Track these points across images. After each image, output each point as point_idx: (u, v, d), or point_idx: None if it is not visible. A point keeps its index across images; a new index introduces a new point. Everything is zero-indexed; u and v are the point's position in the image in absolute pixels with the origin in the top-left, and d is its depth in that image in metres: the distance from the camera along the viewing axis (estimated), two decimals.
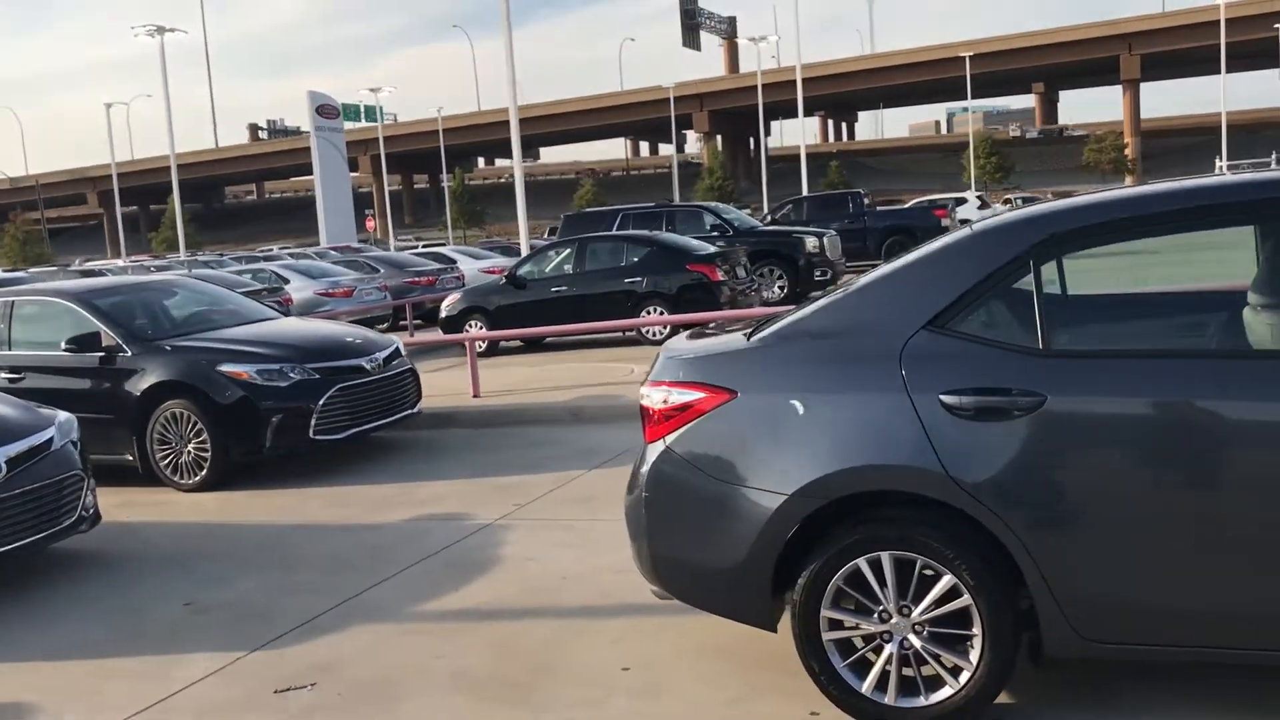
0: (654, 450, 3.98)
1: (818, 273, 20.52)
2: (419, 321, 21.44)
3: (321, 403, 8.50)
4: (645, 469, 4.01)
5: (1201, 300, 4.15)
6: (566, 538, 6.38)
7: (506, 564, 5.99)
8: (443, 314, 17.21)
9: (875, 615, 3.64)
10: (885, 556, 3.58)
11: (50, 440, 6.45)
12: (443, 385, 11.68)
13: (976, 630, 3.51)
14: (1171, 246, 3.66)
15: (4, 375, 8.82)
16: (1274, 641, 3.32)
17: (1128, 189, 3.68)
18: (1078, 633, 3.43)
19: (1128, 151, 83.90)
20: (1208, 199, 3.52)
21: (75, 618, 5.71)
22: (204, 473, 8.39)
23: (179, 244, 49.85)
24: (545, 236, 37.28)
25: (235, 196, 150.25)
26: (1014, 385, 3.43)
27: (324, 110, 62.39)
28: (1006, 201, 54.44)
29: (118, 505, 7.85)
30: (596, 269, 16.42)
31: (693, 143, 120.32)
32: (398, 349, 9.50)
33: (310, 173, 73.66)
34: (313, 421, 8.47)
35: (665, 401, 3.94)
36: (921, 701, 3.61)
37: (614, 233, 19.27)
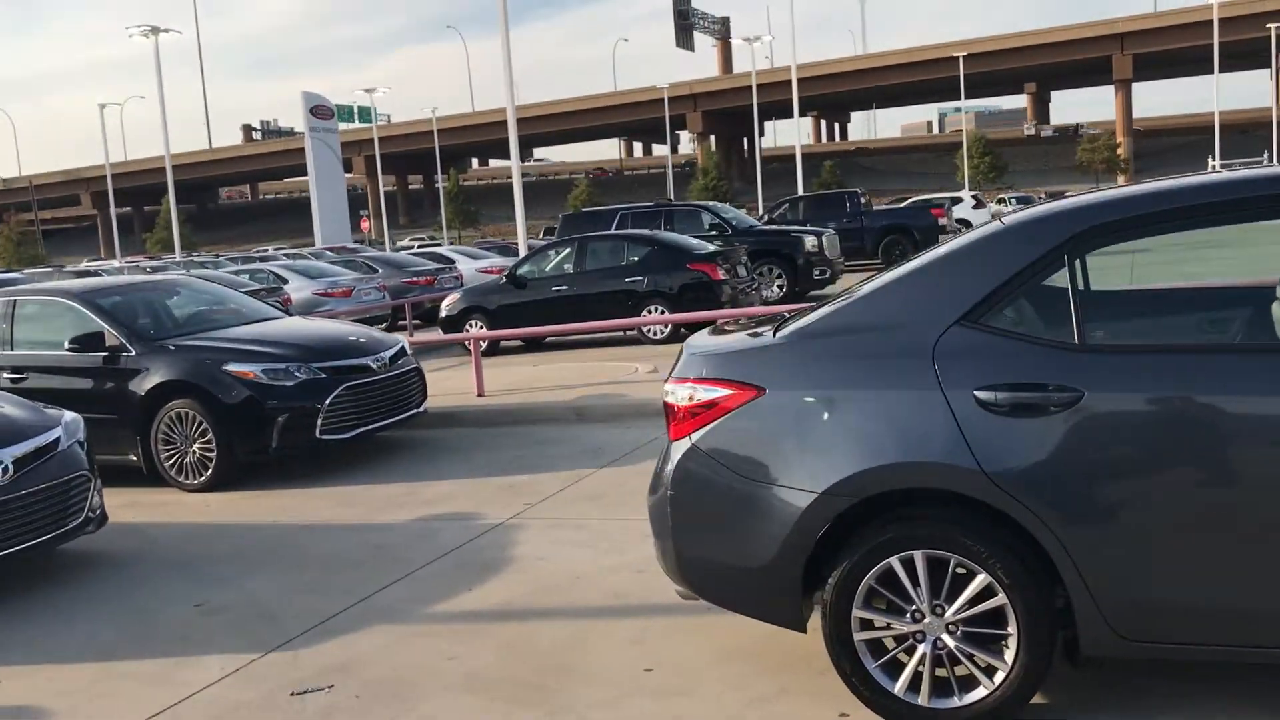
0: (679, 448, 3.92)
1: (816, 272, 20.48)
2: (418, 321, 21.38)
3: (328, 402, 8.43)
4: (670, 467, 3.94)
5: (1238, 295, 4.09)
6: (579, 537, 6.32)
7: (519, 564, 5.93)
8: (443, 314, 17.14)
9: (908, 615, 3.58)
10: (918, 555, 3.53)
11: (57, 440, 6.38)
12: (446, 385, 11.62)
13: (1011, 630, 3.46)
14: (1204, 241, 3.61)
15: (6, 376, 8.75)
16: None
17: (1163, 182, 3.63)
18: (1115, 631, 3.38)
19: (1120, 151, 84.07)
20: (1248, 191, 3.47)
21: (83, 619, 5.64)
22: (209, 473, 8.33)
23: (174, 245, 49.66)
24: (541, 236, 37.24)
25: (229, 197, 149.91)
26: (1050, 381, 3.38)
27: (318, 111, 62.26)
28: (1000, 201, 54.50)
29: (122, 506, 7.79)
30: (597, 268, 16.37)
31: (686, 143, 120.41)
32: (403, 348, 9.44)
33: (304, 174, 73.55)
34: (319, 421, 8.40)
35: (691, 398, 3.88)
36: (955, 702, 3.55)
37: (614, 232, 19.21)
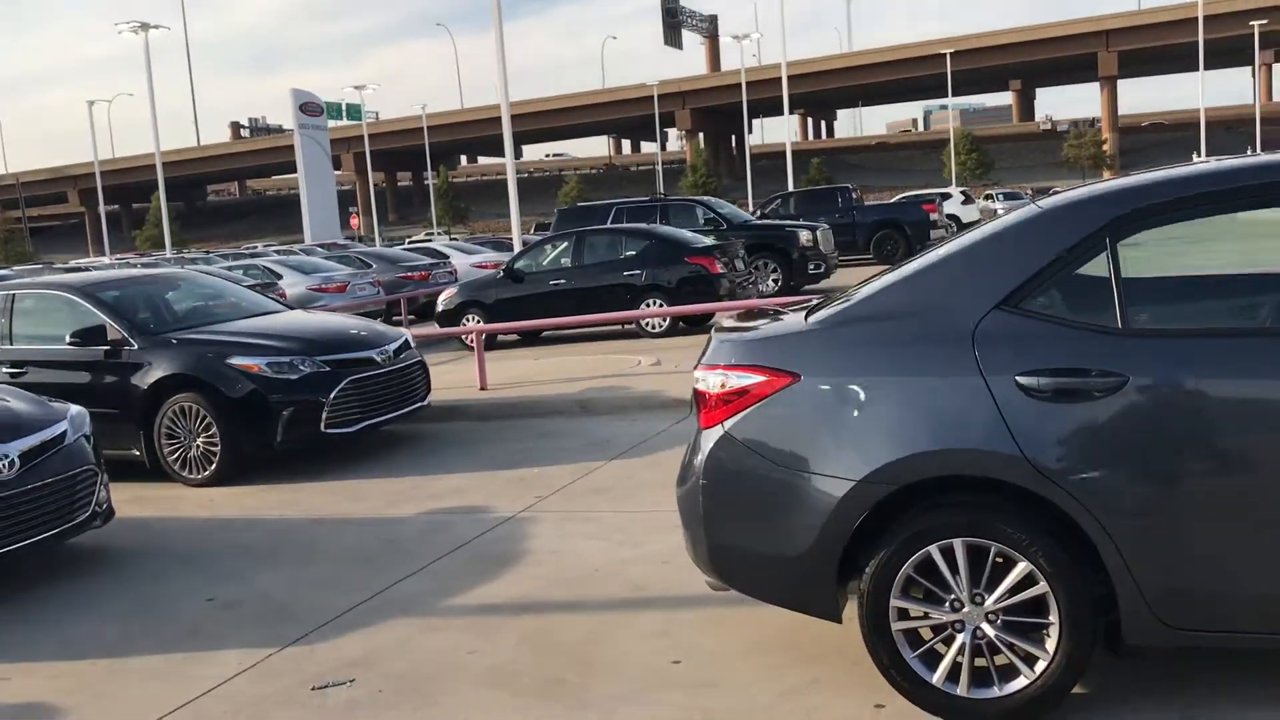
0: (711, 436, 3.86)
1: (811, 266, 20.47)
2: (412, 317, 21.26)
3: (333, 395, 8.36)
4: (701, 456, 3.89)
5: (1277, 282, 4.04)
6: (592, 529, 6.26)
7: (534, 557, 5.86)
8: (439, 308, 17.04)
9: (947, 604, 3.54)
10: (958, 544, 3.48)
11: (63, 434, 6.29)
12: (447, 378, 11.54)
13: (1053, 618, 3.41)
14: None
15: (5, 370, 8.64)
16: None
17: (1206, 164, 3.59)
18: (1160, 619, 3.34)
19: (1106, 148, 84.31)
20: None
21: (93, 615, 5.55)
22: (213, 467, 8.24)
23: (163, 242, 49.42)
24: (533, 232, 37.16)
25: (216, 194, 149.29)
26: (1093, 366, 3.34)
27: (307, 108, 62.00)
28: (988, 197, 54.59)
29: (126, 501, 7.69)
30: (595, 262, 16.30)
31: (674, 140, 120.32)
32: (407, 341, 9.37)
33: (293, 171, 73.28)
34: (324, 415, 8.33)
35: (723, 385, 3.82)
36: (995, 692, 3.51)
37: (612, 226, 19.14)
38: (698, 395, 3.97)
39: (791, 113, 55.18)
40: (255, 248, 47.98)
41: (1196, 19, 67.68)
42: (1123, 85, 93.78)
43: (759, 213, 28.76)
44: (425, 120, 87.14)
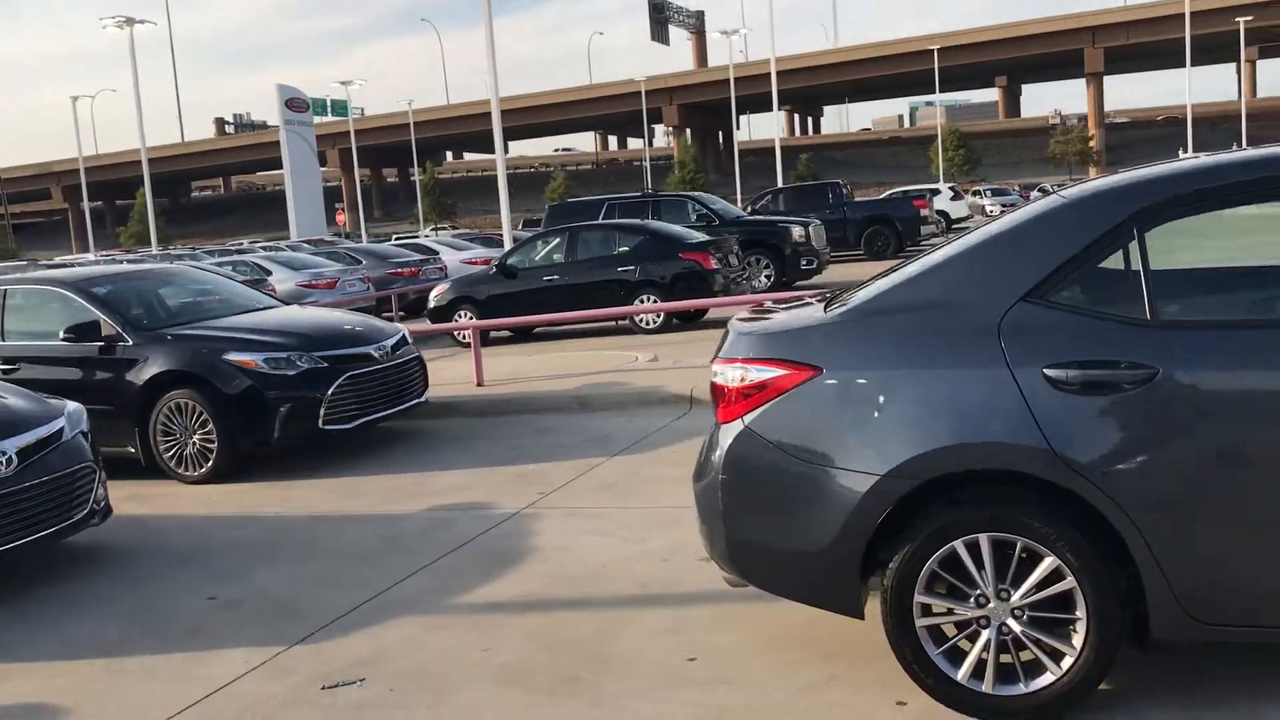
0: (730, 431, 3.81)
1: (804, 262, 20.43)
2: (402, 313, 21.16)
3: (331, 392, 8.27)
4: (720, 450, 3.83)
5: None
6: (598, 526, 6.20)
7: (540, 554, 5.80)
8: (431, 304, 16.95)
9: (972, 600, 3.49)
10: (983, 538, 3.43)
11: (61, 431, 6.21)
12: (442, 374, 11.44)
13: (1080, 614, 3.37)
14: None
15: None
16: None
17: (1234, 154, 3.55)
18: (1189, 614, 3.30)
19: (1093, 144, 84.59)
20: None
21: (92, 614, 5.47)
22: (210, 464, 8.15)
23: (149, 238, 49.12)
24: (520, 229, 37.02)
25: (201, 191, 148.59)
26: (1122, 358, 3.29)
27: (293, 104, 61.77)
28: (975, 193, 54.69)
29: (122, 498, 7.58)
30: (588, 258, 16.23)
31: (661, 136, 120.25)
32: (404, 337, 9.28)
33: (278, 167, 72.86)
34: (322, 411, 8.24)
35: (742, 379, 3.76)
36: (1021, 689, 3.46)
37: (606, 221, 19.06)
38: (715, 389, 3.92)
39: (779, 109, 55.14)
40: (241, 244, 47.73)
41: (1182, 15, 67.97)
42: (1107, 82, 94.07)
43: (750, 209, 28.70)
44: (412, 116, 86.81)
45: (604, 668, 4.29)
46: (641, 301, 15.33)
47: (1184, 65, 70.34)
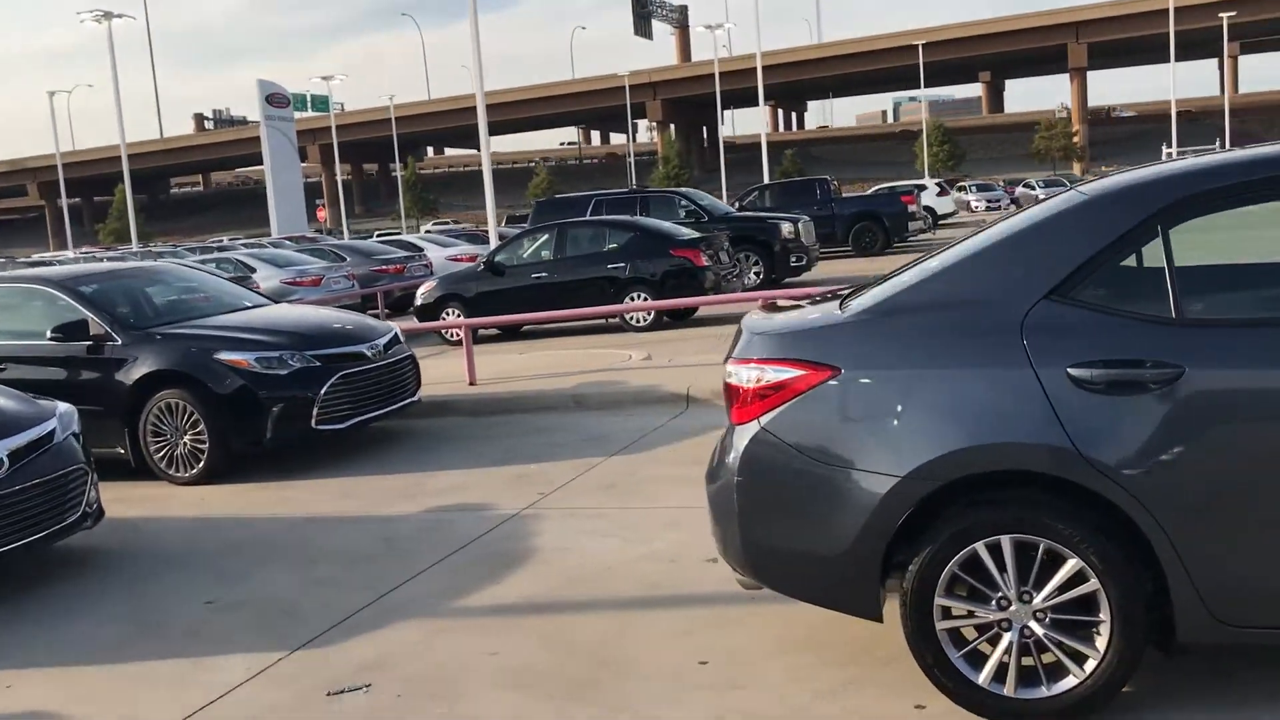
0: (745, 432, 3.74)
1: (793, 259, 20.37)
2: (387, 311, 21.02)
3: (324, 391, 8.18)
4: (735, 452, 3.77)
5: None
6: (600, 527, 6.14)
7: (543, 555, 5.73)
8: (418, 302, 16.82)
9: (994, 602, 3.44)
10: (1005, 540, 3.38)
11: (52, 433, 6.11)
12: (433, 373, 11.34)
13: (1104, 616, 3.32)
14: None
15: None
16: None
17: (1261, 149, 3.50)
18: (1215, 616, 3.26)
19: (1077, 139, 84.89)
20: None
21: (90, 620, 5.37)
22: (201, 465, 8.05)
23: (128, 235, 48.76)
24: (504, 224, 36.89)
25: (180, 188, 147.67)
26: (1148, 357, 3.25)
27: (274, 99, 61.34)
28: (960, 189, 54.80)
29: (112, 500, 7.44)
30: (578, 255, 16.13)
31: (644, 131, 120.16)
32: (396, 335, 9.19)
33: (258, 163, 72.47)
34: (315, 410, 8.15)
35: (759, 380, 3.70)
36: (1044, 692, 3.42)
37: (595, 218, 18.96)
38: (730, 390, 3.86)
39: (760, 104, 55.03)
40: (221, 241, 47.43)
41: (1166, 10, 68.19)
42: (1090, 77, 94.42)
43: (737, 205, 28.65)
44: (393, 111, 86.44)
45: (616, 671, 4.23)
46: (632, 299, 15.25)
47: (1166, 60, 70.66)
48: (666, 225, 17.25)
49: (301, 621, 5.05)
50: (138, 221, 50.48)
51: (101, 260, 32.37)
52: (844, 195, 31.66)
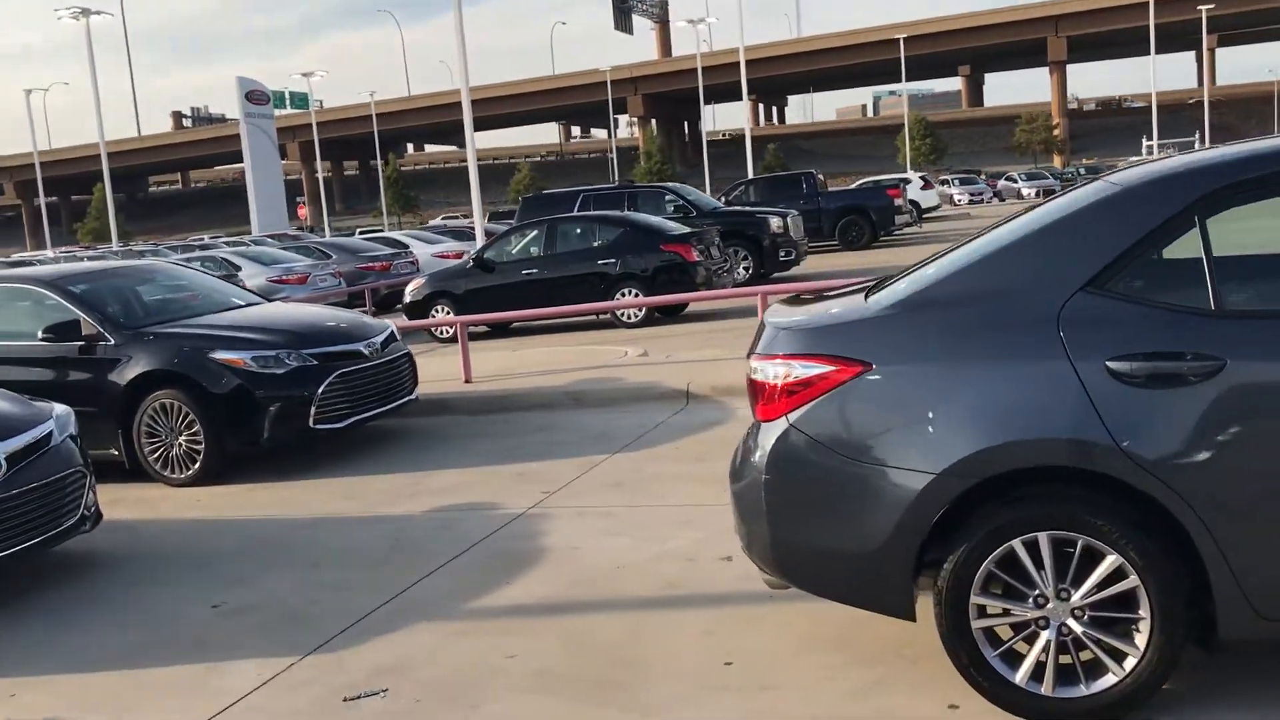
0: (773, 429, 3.67)
1: (782, 253, 20.32)
2: (374, 309, 20.87)
3: (321, 390, 8.07)
4: (763, 449, 3.69)
5: None
6: (610, 525, 6.06)
7: (554, 555, 5.65)
8: (407, 299, 16.70)
9: (1030, 600, 3.38)
10: (1042, 537, 3.33)
11: (50, 435, 5.99)
12: (426, 371, 11.19)
13: (1144, 613, 3.27)
14: None
15: None
16: None
17: None
18: (1258, 613, 3.21)
19: (1057, 132, 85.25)
20: None
21: (94, 626, 5.26)
22: (197, 466, 7.93)
23: (108, 234, 48.32)
24: (487, 221, 36.65)
25: (158, 186, 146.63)
26: (1188, 349, 3.20)
27: (253, 96, 60.91)
28: (944, 182, 54.93)
29: (108, 503, 7.29)
30: (568, 251, 16.04)
31: (624, 127, 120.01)
32: (393, 333, 9.09)
33: (238, 161, 71.91)
34: (313, 410, 8.03)
35: (787, 376, 3.63)
36: (1082, 690, 3.36)
37: (586, 213, 18.84)
38: (755, 386, 3.78)
39: (743, 99, 54.96)
40: (202, 239, 47.07)
41: (1145, 4, 68.41)
42: (1070, 70, 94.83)
43: (723, 199, 28.58)
44: (374, 108, 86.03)
45: (639, 672, 4.16)
46: (622, 295, 15.17)
47: (1144, 54, 70.98)
48: (657, 220, 17.19)
49: (312, 625, 4.96)
50: (119, 220, 50.11)
51: (82, 260, 32.08)
52: (830, 189, 31.61)
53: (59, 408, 6.32)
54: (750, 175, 42.36)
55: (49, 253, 44.19)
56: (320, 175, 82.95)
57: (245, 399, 7.92)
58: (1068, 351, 3.28)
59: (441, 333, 15.93)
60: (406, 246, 26.16)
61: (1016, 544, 3.35)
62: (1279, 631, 3.26)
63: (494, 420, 9.36)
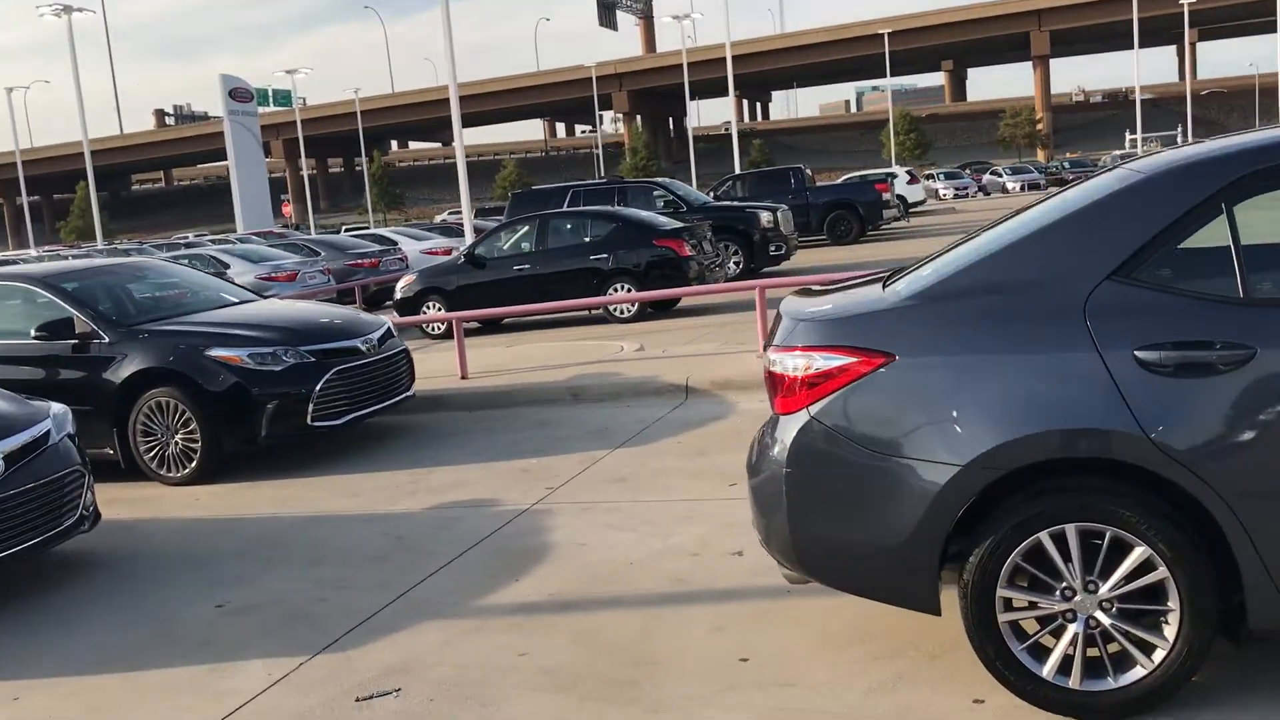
0: (793, 422, 3.62)
1: (773, 248, 20.30)
2: (364, 306, 20.76)
3: (319, 387, 7.99)
4: (783, 443, 3.64)
5: None
6: (616, 521, 6.01)
7: (561, 551, 5.60)
8: (398, 295, 16.61)
9: (1058, 593, 3.34)
10: (1070, 529, 3.29)
11: (48, 434, 5.90)
12: (422, 367, 11.15)
13: (1173, 604, 3.24)
14: None
15: None
16: None
17: None
18: None
19: (1040, 126, 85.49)
20: None
21: (96, 627, 5.18)
22: (193, 465, 7.84)
23: (91, 233, 48.01)
24: (474, 217, 36.51)
25: (141, 184, 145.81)
26: (1217, 338, 3.16)
27: (237, 94, 60.57)
28: (928, 177, 55.01)
29: (104, 503, 7.16)
30: (560, 246, 15.97)
31: (608, 123, 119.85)
32: (389, 329, 9.01)
33: (221, 159, 71.74)
34: (310, 407, 7.96)
35: (807, 368, 3.58)
36: (1110, 684, 3.33)
37: (577, 209, 18.76)
38: (774, 378, 3.73)
39: (728, 94, 54.90)
40: (187, 237, 46.76)
41: None
42: (1053, 64, 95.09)
43: (712, 194, 28.53)
44: (358, 105, 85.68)
45: (655, 670, 4.10)
46: (615, 290, 15.11)
47: (1125, 48, 71.21)
48: (649, 215, 17.14)
49: (318, 624, 4.89)
50: (103, 218, 49.76)
51: (67, 258, 31.81)
52: (818, 184, 31.60)
53: (56, 406, 6.23)
54: (737, 171, 42.33)
55: (32, 252, 43.84)
56: (304, 173, 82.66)
57: (242, 396, 7.84)
58: (1095, 341, 3.24)
59: (433, 329, 15.85)
60: (395, 243, 26.06)
61: (1044, 536, 3.31)
62: None
63: (492, 416, 9.29)
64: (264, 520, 6.79)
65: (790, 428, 3.64)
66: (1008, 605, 3.39)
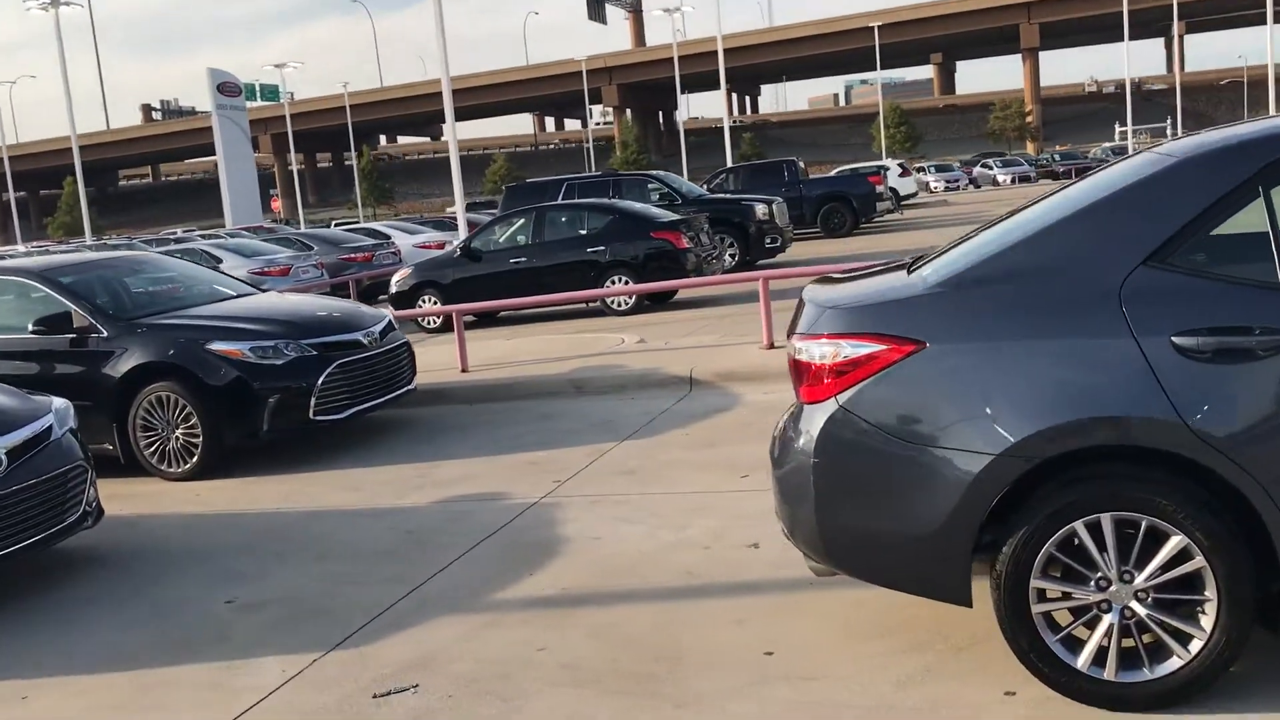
0: (820, 411, 3.56)
1: (768, 240, 20.24)
2: (358, 300, 20.64)
3: (321, 381, 7.91)
4: (809, 433, 3.58)
5: None
6: (627, 514, 5.95)
7: (574, 544, 5.53)
8: (393, 289, 16.50)
9: (1092, 583, 3.30)
10: (1105, 518, 3.24)
11: (50, 429, 5.82)
12: (422, 360, 11.05)
13: (1210, 594, 3.19)
14: None
15: None
16: None
17: None
18: None
19: (1030, 119, 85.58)
20: None
21: (104, 625, 5.10)
22: (194, 460, 7.76)
23: (79, 229, 47.71)
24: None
25: (128, 180, 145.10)
26: (1255, 323, 3.11)
27: (225, 88, 60.34)
28: (920, 170, 54.98)
29: (105, 498, 7.04)
30: (556, 239, 15.88)
31: (598, 116, 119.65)
32: (390, 322, 8.93)
33: (209, 154, 71.49)
34: (312, 401, 7.87)
35: (835, 356, 3.52)
36: (1146, 674, 3.28)
37: (574, 201, 18.68)
38: (799, 367, 3.67)
39: (719, 87, 54.78)
40: (176, 233, 46.50)
41: None
42: (1043, 56, 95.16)
43: (706, 187, 28.45)
44: (348, 99, 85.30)
45: (678, 665, 4.05)
46: (612, 283, 15.04)
47: (1115, 40, 71.22)
48: (645, 208, 17.07)
49: (332, 619, 4.83)
50: (91, 214, 49.44)
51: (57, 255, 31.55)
52: (811, 177, 31.55)
53: (58, 401, 6.15)
54: (729, 164, 42.25)
55: (20, 248, 43.57)
56: (293, 168, 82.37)
57: (243, 391, 7.75)
58: (1131, 328, 3.19)
59: (429, 323, 15.77)
60: (388, 237, 25.93)
61: (1079, 525, 3.26)
62: None
63: (495, 409, 9.22)
64: (268, 515, 6.71)
65: (817, 417, 3.58)
66: (1041, 596, 3.35)
